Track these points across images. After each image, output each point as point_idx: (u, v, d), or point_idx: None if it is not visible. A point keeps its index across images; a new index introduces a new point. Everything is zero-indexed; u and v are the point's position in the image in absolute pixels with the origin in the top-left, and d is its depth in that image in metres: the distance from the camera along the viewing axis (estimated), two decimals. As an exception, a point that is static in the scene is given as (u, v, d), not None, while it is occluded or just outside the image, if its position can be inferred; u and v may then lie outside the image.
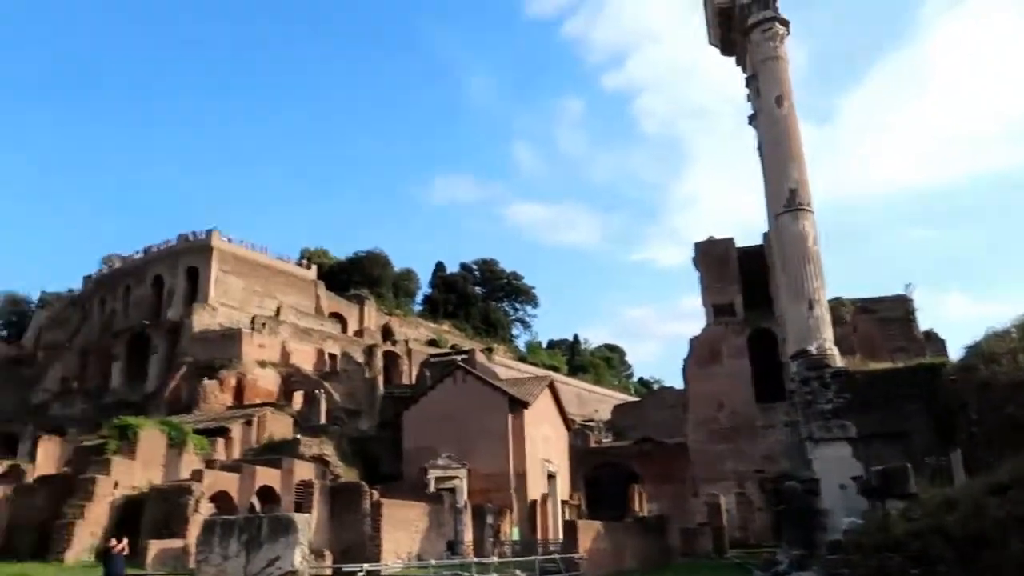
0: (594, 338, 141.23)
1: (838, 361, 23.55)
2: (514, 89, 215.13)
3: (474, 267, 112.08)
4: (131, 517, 26.07)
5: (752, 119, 31.79)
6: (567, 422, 57.16)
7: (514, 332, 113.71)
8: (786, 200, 25.44)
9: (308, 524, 10.22)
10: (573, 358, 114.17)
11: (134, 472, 28.47)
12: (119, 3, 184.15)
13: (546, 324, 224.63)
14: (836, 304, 41.08)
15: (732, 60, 32.96)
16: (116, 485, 27.15)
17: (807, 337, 23.83)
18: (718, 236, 55.69)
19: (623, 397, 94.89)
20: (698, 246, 55.92)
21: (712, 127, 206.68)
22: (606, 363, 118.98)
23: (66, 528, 24.80)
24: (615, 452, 58.61)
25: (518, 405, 48.03)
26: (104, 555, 18.11)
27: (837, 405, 22.07)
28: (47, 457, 35.26)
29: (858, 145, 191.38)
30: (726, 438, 50.55)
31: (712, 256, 54.85)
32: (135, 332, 66.51)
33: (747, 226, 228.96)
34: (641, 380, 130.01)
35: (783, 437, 44.74)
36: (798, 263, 24.69)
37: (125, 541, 18.31)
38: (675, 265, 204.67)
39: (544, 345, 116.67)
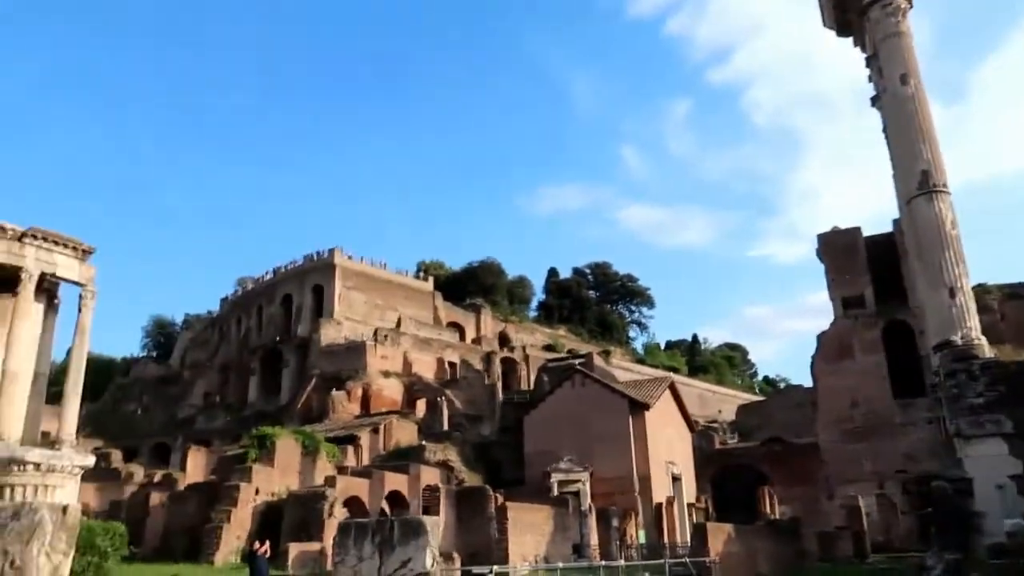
0: (714, 338, 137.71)
1: (986, 351, 21.81)
2: (619, 92, 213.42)
3: (587, 271, 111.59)
4: (271, 521, 27.45)
5: (875, 100, 30.08)
6: (690, 423, 55.90)
7: (631, 334, 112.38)
8: (918, 182, 23.85)
9: (437, 527, 10.39)
10: (693, 358, 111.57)
11: (273, 479, 29.97)
12: (238, 26, 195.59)
13: (663, 325, 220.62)
14: (981, 291, 38.27)
15: (849, 41, 31.33)
16: (257, 491, 28.68)
17: (950, 327, 22.21)
18: (842, 226, 53.05)
19: (747, 397, 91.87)
20: (822, 238, 53.44)
21: (829, 114, 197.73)
22: (728, 362, 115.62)
23: (215, 532, 26.39)
24: (742, 453, 56.81)
25: (639, 407, 47.38)
26: (249, 557, 19.12)
27: (988, 399, 20.41)
28: (195, 466, 37.73)
29: (995, 121, 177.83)
30: (862, 437, 47.95)
31: (838, 247, 52.27)
32: (268, 348, 70.20)
33: (873, 215, 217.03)
34: (766, 379, 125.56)
35: (925, 435, 42.01)
36: (936, 248, 23.07)
37: (267, 544, 19.25)
38: (795, 260, 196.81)
39: (662, 346, 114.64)
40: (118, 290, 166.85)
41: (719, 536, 25.56)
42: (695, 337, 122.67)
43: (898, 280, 45.94)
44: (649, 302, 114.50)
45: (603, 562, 22.35)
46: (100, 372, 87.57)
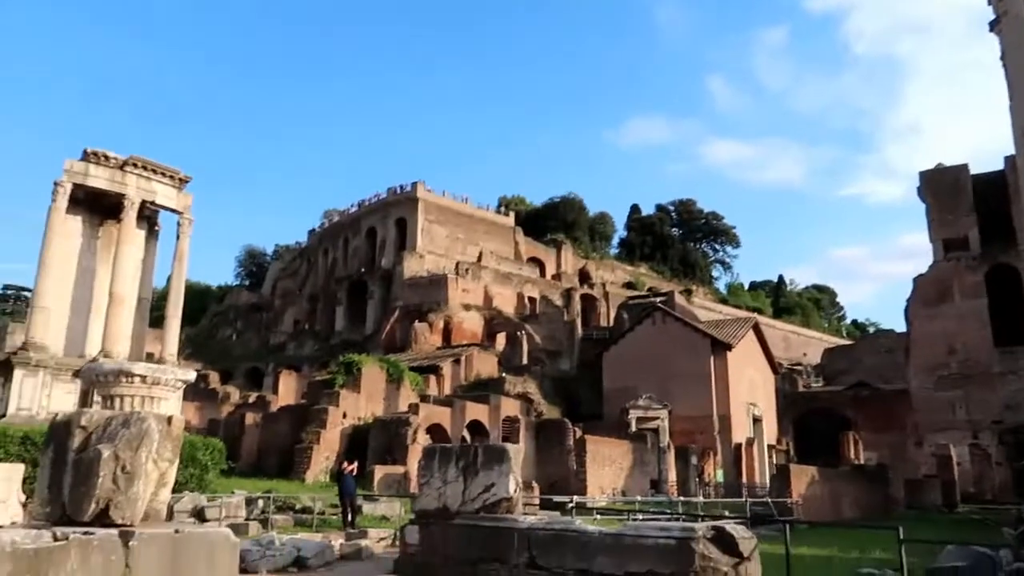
0: (800, 279, 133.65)
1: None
2: (707, 20, 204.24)
3: (670, 208, 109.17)
4: (358, 444, 28.55)
5: (993, 25, 27.82)
6: (773, 365, 54.85)
7: (714, 274, 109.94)
8: (1039, 113, 22.09)
9: (519, 454, 10.50)
10: (778, 300, 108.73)
11: (359, 404, 31.07)
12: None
13: (748, 265, 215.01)
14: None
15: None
16: (344, 415, 29.82)
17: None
18: (945, 164, 49.94)
19: (834, 340, 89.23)
20: (924, 176, 50.51)
21: (936, 42, 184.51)
22: (814, 305, 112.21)
23: (305, 451, 27.69)
24: (826, 397, 55.56)
25: (721, 347, 46.74)
26: (338, 475, 19.95)
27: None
28: (286, 389, 39.47)
29: None
30: (957, 385, 46.06)
31: (941, 186, 49.38)
32: (354, 279, 72.03)
33: (981, 153, 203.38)
34: (854, 323, 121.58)
35: (1028, 384, 40.03)
36: (1054, 185, 21.45)
37: (355, 464, 20.03)
38: (891, 200, 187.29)
39: (746, 287, 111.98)
40: (213, 220, 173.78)
41: (802, 478, 25.20)
42: (781, 278, 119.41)
43: (1006, 221, 43.22)
44: (734, 241, 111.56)
45: (682, 498, 22.33)
46: (197, 299, 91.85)
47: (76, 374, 19.55)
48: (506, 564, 9.49)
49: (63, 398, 20.33)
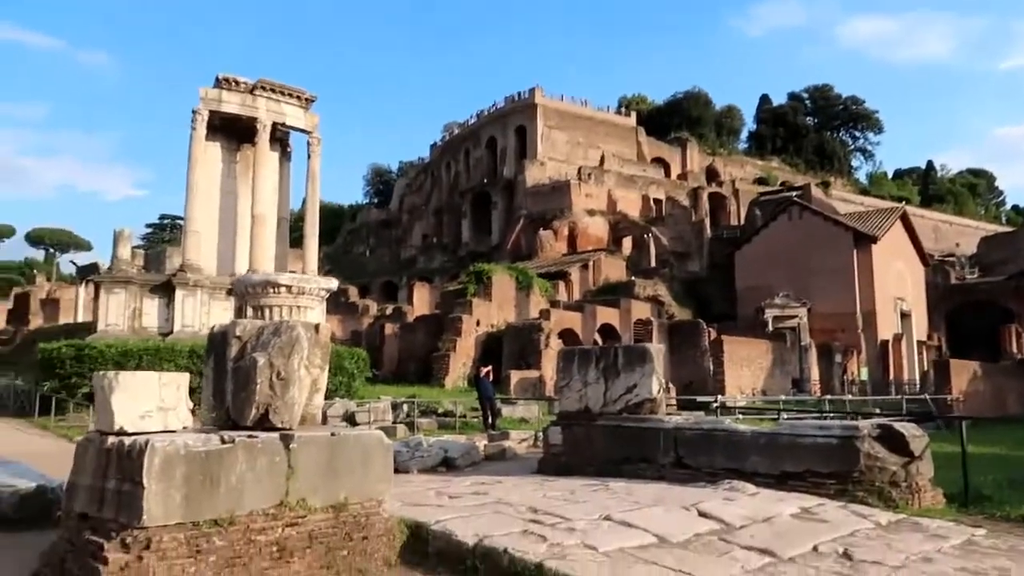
0: (953, 164, 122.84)
1: None
2: None
3: (804, 96, 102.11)
4: (492, 350, 29.22)
5: None
6: (924, 257, 51.40)
7: (853, 164, 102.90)
8: None
9: (661, 354, 10.21)
10: (926, 188, 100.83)
11: (491, 312, 31.63)
12: None
13: (892, 152, 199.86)
14: None
15: None
16: (478, 323, 30.48)
17: None
18: None
19: (992, 228, 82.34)
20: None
21: None
22: (969, 191, 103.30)
23: (443, 359, 28.65)
24: (984, 289, 51.62)
25: (865, 240, 44.09)
26: (475, 380, 20.47)
27: None
28: (420, 300, 40.74)
29: None
30: None
31: None
32: (477, 191, 72.48)
33: None
34: (1016, 208, 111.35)
35: None
36: None
37: (491, 368, 20.46)
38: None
39: (890, 176, 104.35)
40: (340, 141, 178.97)
41: (962, 374, 23.60)
42: (930, 164, 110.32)
43: None
44: (876, 126, 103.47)
45: (828, 396, 21.47)
46: (331, 218, 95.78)
47: (230, 292, 20.81)
48: (652, 463, 9.37)
49: (220, 314, 21.75)
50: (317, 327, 6.40)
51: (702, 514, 6.62)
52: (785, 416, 17.22)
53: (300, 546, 5.49)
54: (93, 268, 31.84)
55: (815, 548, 5.77)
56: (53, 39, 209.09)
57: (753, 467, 8.35)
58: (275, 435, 5.71)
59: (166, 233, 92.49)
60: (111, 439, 5.36)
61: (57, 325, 35.88)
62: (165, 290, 22.10)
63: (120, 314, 21.09)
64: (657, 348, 10.33)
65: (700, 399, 16.53)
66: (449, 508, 6.87)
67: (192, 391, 6.10)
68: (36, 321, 45.87)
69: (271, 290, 7.63)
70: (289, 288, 7.67)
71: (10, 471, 8.67)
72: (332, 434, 5.99)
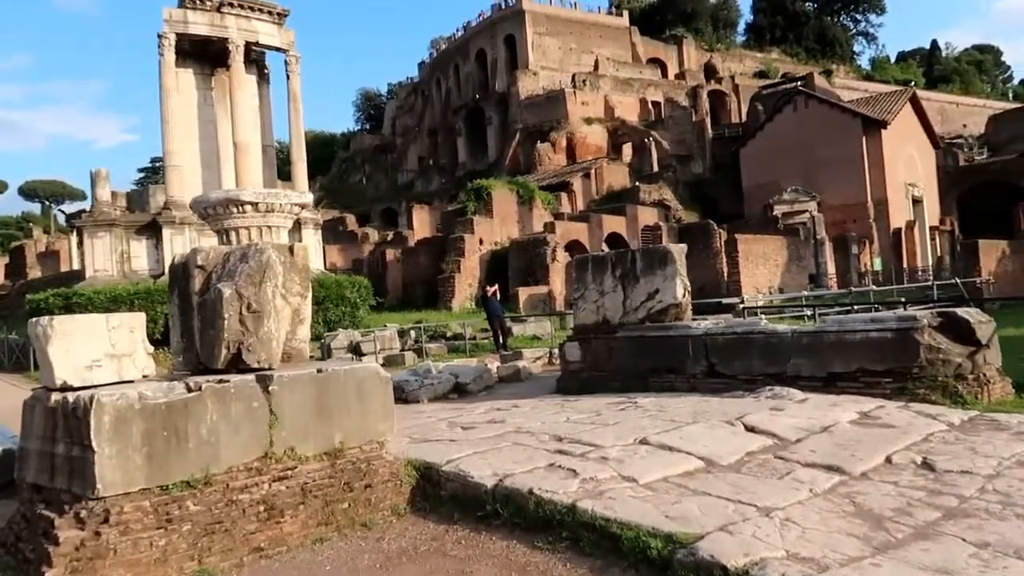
0: (958, 42, 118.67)
1: None
2: None
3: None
4: (497, 268, 28.35)
5: None
6: (934, 140, 49.78)
7: (855, 49, 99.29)
8: None
9: (683, 254, 9.28)
10: (931, 69, 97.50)
11: (493, 229, 30.61)
12: None
13: (895, 34, 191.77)
14: None
15: None
16: (481, 242, 29.50)
17: None
18: None
19: (1000, 106, 79.75)
20: None
21: None
22: (976, 69, 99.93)
23: (447, 281, 27.82)
24: (996, 169, 50.08)
25: (874, 125, 42.52)
26: (483, 300, 19.70)
27: None
28: (421, 223, 39.68)
29: None
30: None
31: None
32: (470, 107, 70.23)
33: None
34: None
35: None
36: None
37: (496, 287, 19.62)
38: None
39: (893, 59, 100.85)
40: (326, 67, 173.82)
41: (991, 254, 22.65)
42: (934, 44, 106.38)
43: None
44: (877, 7, 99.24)
45: (852, 288, 20.60)
46: (324, 148, 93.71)
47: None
48: (681, 374, 8.58)
49: (212, 252, 20.77)
50: (292, 248, 5.48)
51: (749, 428, 5.82)
52: (808, 312, 16.42)
53: (292, 502, 4.72)
54: (80, 215, 30.81)
55: (888, 459, 4.98)
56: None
57: (796, 370, 7.54)
58: (250, 377, 4.87)
59: (159, 176, 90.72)
60: (55, 396, 4.52)
61: (48, 276, 35.08)
62: (152, 230, 21.13)
63: (107, 258, 20.21)
64: (680, 248, 9.39)
65: (725, 301, 15.67)
66: (463, 442, 6.07)
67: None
68: (34, 274, 45.15)
69: (234, 209, 6.68)
70: (255, 205, 6.72)
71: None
72: (319, 370, 5.14)
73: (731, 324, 8.90)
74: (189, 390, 4.59)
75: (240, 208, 6.74)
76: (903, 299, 18.29)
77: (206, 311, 5.17)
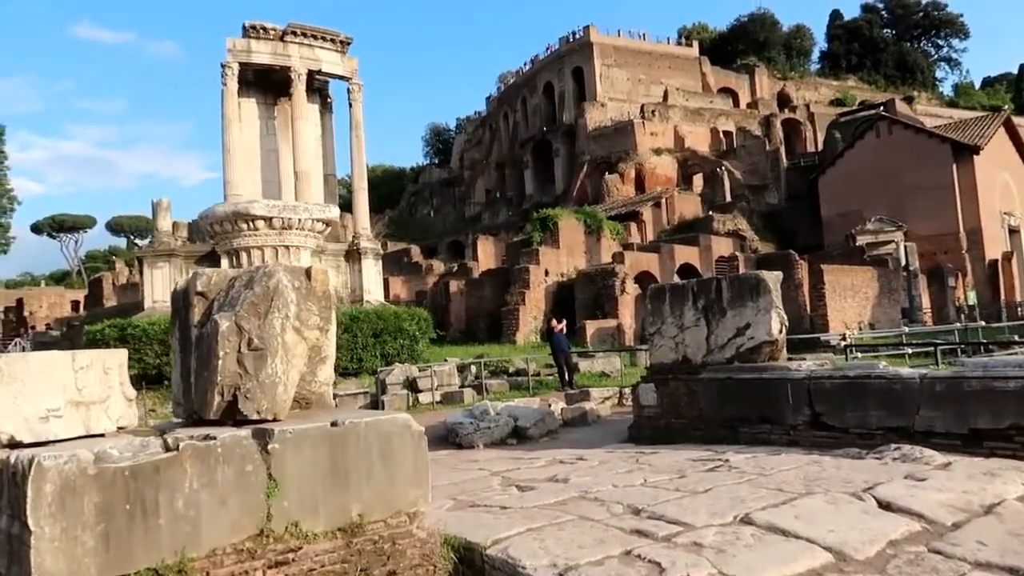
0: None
1: None
2: None
3: (880, 5, 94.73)
4: (564, 300, 27.21)
5: None
6: (1032, 166, 46.68)
7: (937, 75, 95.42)
8: None
9: (778, 283, 8.00)
10: (1020, 95, 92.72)
11: (560, 260, 29.54)
12: None
13: (980, 60, 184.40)
14: None
15: None
16: (547, 273, 28.44)
17: None
18: None
19: (1100, 131, 74.91)
20: None
21: None
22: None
23: (512, 313, 26.78)
24: (1103, 196, 46.61)
25: (965, 151, 40.06)
26: (548, 334, 18.60)
27: None
28: (485, 254, 38.92)
29: None
30: None
31: None
32: (537, 140, 69.86)
33: None
34: None
35: None
36: None
37: (564, 323, 18.51)
38: None
39: (978, 85, 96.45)
40: (397, 103, 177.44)
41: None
42: (1022, 68, 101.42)
43: None
44: (961, 32, 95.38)
45: (981, 323, 18.65)
46: (393, 182, 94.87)
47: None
48: (779, 424, 7.24)
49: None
50: (308, 271, 4.50)
51: (884, 505, 4.51)
52: (910, 351, 14.75)
53: (292, 596, 3.67)
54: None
55: (1094, 560, 3.62)
56: (124, 33, 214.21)
57: (926, 425, 6.16)
58: (244, 432, 3.86)
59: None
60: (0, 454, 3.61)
61: (113, 307, 35.57)
62: (211, 260, 20.78)
63: (166, 289, 19.89)
64: (775, 276, 8.11)
65: (824, 337, 14.13)
66: (516, 512, 4.92)
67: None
68: (111, 305, 46.17)
69: (243, 225, 5.85)
70: (268, 220, 5.88)
71: None
72: (333, 423, 4.10)
73: (839, 366, 7.57)
74: (167, 448, 3.62)
75: (251, 224, 5.92)
76: (1016, 337, 16.39)
77: (202, 348, 4.22)
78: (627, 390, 12.70)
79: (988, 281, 39.37)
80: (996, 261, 39.84)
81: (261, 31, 21.13)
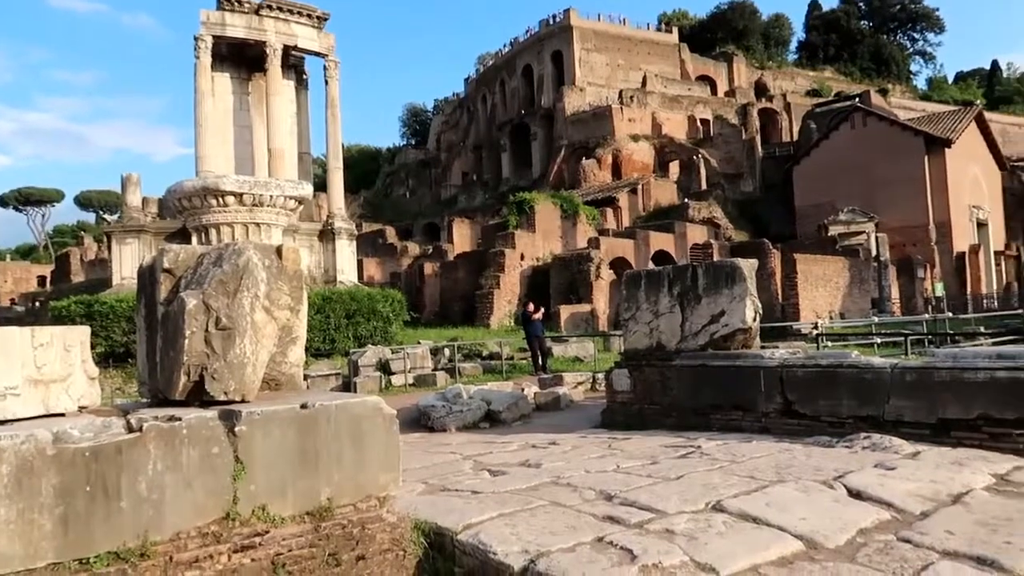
0: (1020, 62, 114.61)
1: None
2: None
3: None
4: (538, 285, 27.21)
5: None
6: (1000, 161, 47.51)
7: (912, 69, 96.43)
8: None
9: (753, 270, 8.03)
10: (992, 90, 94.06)
11: (536, 244, 29.50)
12: None
13: (953, 54, 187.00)
14: None
15: None
16: (522, 257, 28.40)
17: None
18: None
19: (1068, 128, 76.32)
20: None
21: None
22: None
23: (486, 297, 26.74)
24: (1068, 192, 47.59)
25: (937, 144, 40.57)
26: (523, 318, 18.56)
27: None
28: (461, 237, 38.77)
29: None
30: None
31: None
32: (515, 123, 69.55)
33: None
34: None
35: None
36: None
37: (538, 304, 18.48)
38: None
39: (951, 79, 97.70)
40: (374, 82, 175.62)
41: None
42: (994, 64, 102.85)
43: None
44: (937, 26, 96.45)
45: (948, 314, 18.91)
46: (369, 162, 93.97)
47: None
48: (751, 412, 7.28)
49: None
50: (279, 250, 4.39)
51: (855, 494, 4.54)
52: (879, 341, 14.94)
53: (258, 581, 3.61)
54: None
55: (1062, 551, 3.66)
56: (95, 3, 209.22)
57: (895, 414, 6.22)
58: (211, 413, 3.77)
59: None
60: (-45, 434, 3.48)
61: (80, 283, 34.92)
62: (181, 236, 20.41)
63: (134, 266, 19.50)
64: (750, 264, 8.13)
65: (796, 326, 14.25)
66: (487, 497, 4.87)
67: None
68: (78, 280, 45.30)
69: (213, 201, 5.71)
70: (239, 196, 5.74)
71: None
72: (303, 406, 4.01)
73: (814, 355, 7.61)
74: (130, 429, 3.52)
75: (221, 200, 5.78)
76: (980, 327, 16.65)
77: (168, 326, 4.11)
78: (601, 375, 12.72)
79: (956, 273, 40.01)
80: (964, 254, 40.48)
81: (236, 3, 20.69)
